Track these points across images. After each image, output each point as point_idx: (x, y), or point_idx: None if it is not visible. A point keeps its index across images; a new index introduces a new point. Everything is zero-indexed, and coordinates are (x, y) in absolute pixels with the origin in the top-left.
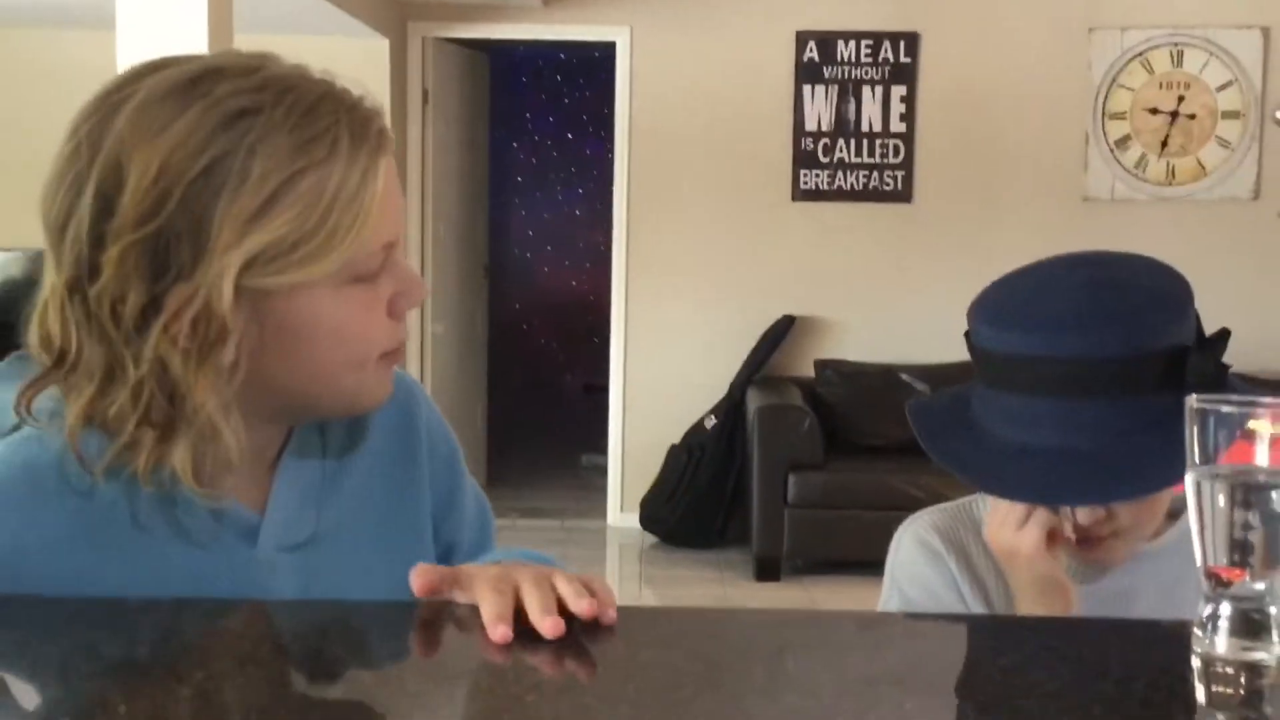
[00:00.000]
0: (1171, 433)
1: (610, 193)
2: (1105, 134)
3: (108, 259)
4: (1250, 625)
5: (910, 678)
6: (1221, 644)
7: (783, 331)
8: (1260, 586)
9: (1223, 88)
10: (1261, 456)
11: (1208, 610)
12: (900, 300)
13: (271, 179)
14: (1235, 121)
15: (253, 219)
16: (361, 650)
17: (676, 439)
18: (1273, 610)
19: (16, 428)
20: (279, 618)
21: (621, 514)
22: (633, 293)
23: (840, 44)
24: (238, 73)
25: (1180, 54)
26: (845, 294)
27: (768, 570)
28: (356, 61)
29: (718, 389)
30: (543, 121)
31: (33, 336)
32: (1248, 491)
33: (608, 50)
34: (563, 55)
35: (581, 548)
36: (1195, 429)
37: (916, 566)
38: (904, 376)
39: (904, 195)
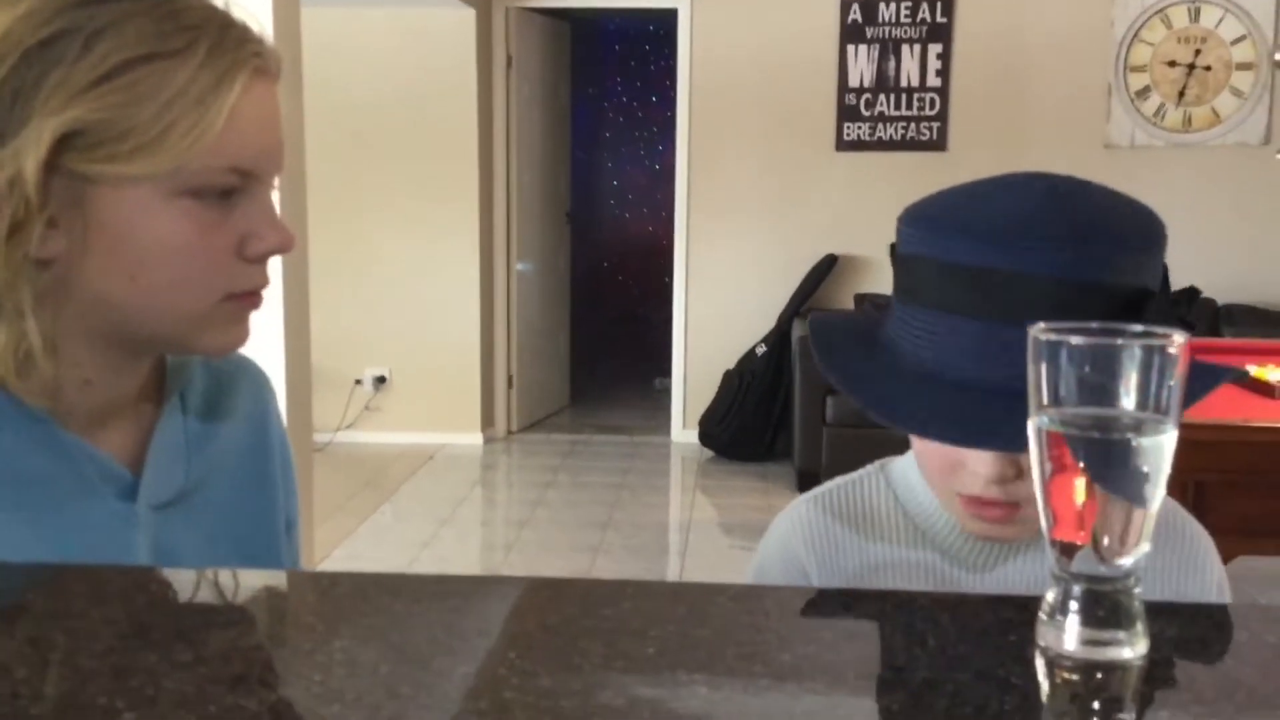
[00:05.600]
0: None
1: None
2: (1126, 85)
3: None
4: (1107, 613)
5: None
6: (1070, 638)
7: (826, 269)
8: (1123, 562)
9: (1237, 41)
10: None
11: (1054, 593)
12: None
13: (111, 59)
14: (1248, 73)
15: (81, 92)
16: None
17: (731, 365)
18: (1137, 593)
19: None
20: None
21: (683, 431)
22: (693, 236)
23: (881, 6)
24: None
25: (1197, 10)
26: (883, 235)
27: (808, 482)
28: (444, 30)
29: (767, 321)
30: (624, 84)
31: None
32: (1105, 445)
33: (672, 16)
34: (641, 22)
35: (647, 461)
36: (1043, 364)
37: (770, 574)
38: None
39: (939, 145)
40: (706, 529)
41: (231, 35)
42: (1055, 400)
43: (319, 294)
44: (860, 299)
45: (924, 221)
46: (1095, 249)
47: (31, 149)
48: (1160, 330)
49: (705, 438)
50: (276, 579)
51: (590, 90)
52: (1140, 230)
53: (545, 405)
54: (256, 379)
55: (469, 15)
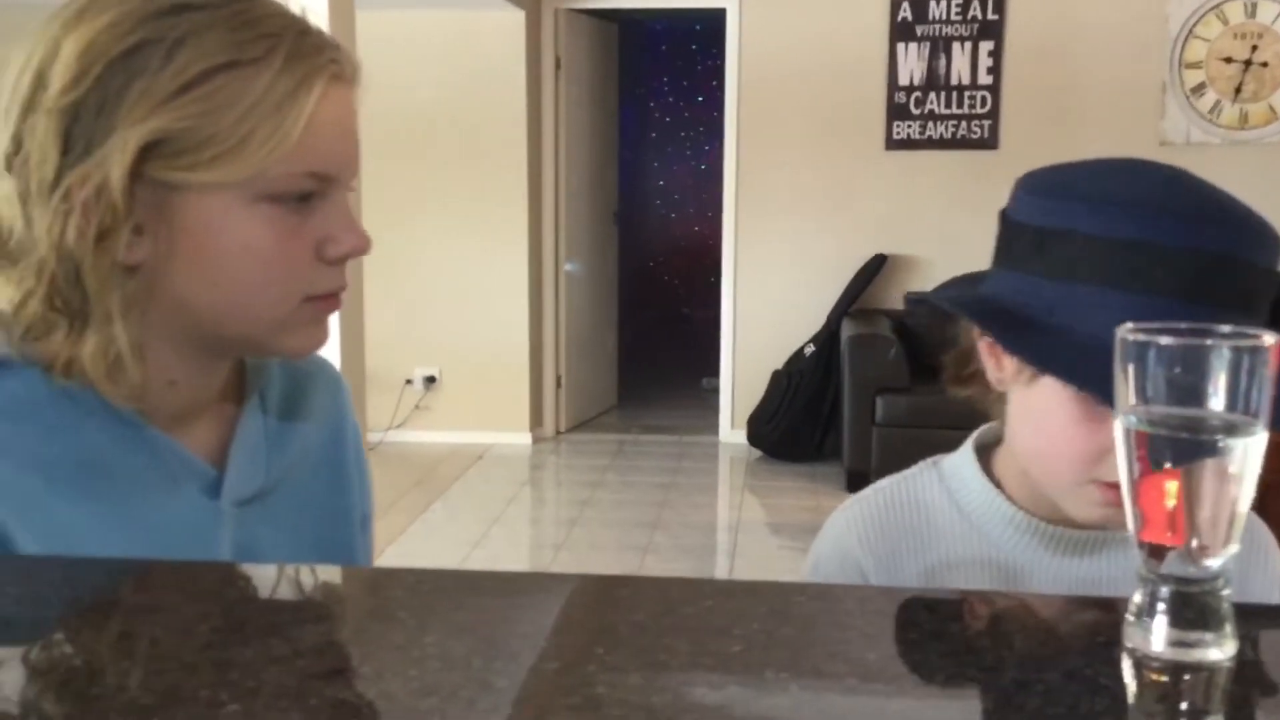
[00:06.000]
0: None
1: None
2: (1182, 82)
3: (28, 128)
4: (1195, 614)
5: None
6: (1158, 639)
7: (875, 269)
8: (1212, 564)
9: None
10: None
11: (1141, 595)
12: (984, 239)
13: (193, 67)
14: None
15: (163, 102)
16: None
17: (779, 365)
18: (1226, 595)
19: None
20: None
21: (731, 431)
22: (742, 235)
23: (932, 3)
24: None
25: (1254, 5)
26: (933, 234)
27: (857, 482)
28: (493, 32)
29: (816, 320)
30: (672, 84)
31: None
32: (1195, 446)
33: (722, 16)
34: (688, 23)
35: (695, 461)
36: (1130, 364)
37: (826, 574)
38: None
39: (990, 143)
40: (755, 529)
41: (308, 42)
42: (1143, 400)
43: (370, 295)
44: (910, 298)
45: (1077, 197)
46: (1259, 231)
47: (117, 158)
48: (1250, 331)
49: (753, 438)
50: (361, 575)
51: (637, 91)
52: (1261, 220)
53: (593, 405)
54: (332, 378)
55: (518, 17)
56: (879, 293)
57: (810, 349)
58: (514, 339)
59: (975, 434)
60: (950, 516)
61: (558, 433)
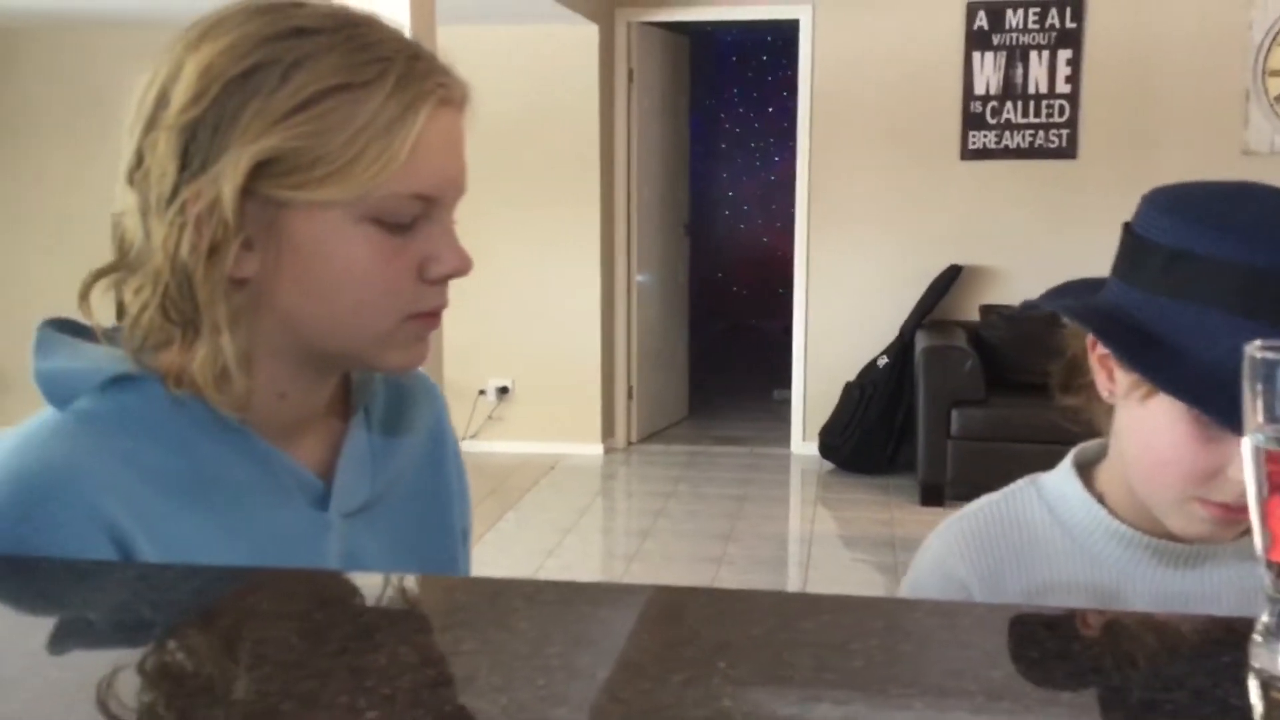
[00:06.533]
0: None
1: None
2: (1265, 90)
3: (149, 144)
4: None
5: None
6: None
7: (950, 280)
8: None
9: None
10: None
11: (1269, 615)
12: (1062, 249)
13: (306, 89)
14: None
15: (277, 122)
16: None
17: (852, 377)
18: None
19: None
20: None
21: (803, 443)
22: (814, 246)
23: (1009, 12)
24: (316, 5)
25: None
26: (1009, 245)
27: (932, 496)
28: (567, 46)
29: (889, 332)
30: (743, 95)
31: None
32: None
33: (793, 27)
34: (759, 34)
35: (767, 473)
36: (1260, 383)
37: (926, 594)
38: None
39: (1068, 153)
40: (828, 542)
41: (419, 66)
42: (1272, 419)
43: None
44: (986, 310)
45: (1210, 221)
46: None
47: (230, 175)
48: None
49: (826, 450)
50: (481, 586)
51: (707, 102)
52: None
53: (665, 416)
54: (431, 393)
55: (592, 31)
56: (954, 304)
57: (883, 361)
58: (586, 350)
59: (1074, 451)
60: (1052, 533)
61: (629, 443)
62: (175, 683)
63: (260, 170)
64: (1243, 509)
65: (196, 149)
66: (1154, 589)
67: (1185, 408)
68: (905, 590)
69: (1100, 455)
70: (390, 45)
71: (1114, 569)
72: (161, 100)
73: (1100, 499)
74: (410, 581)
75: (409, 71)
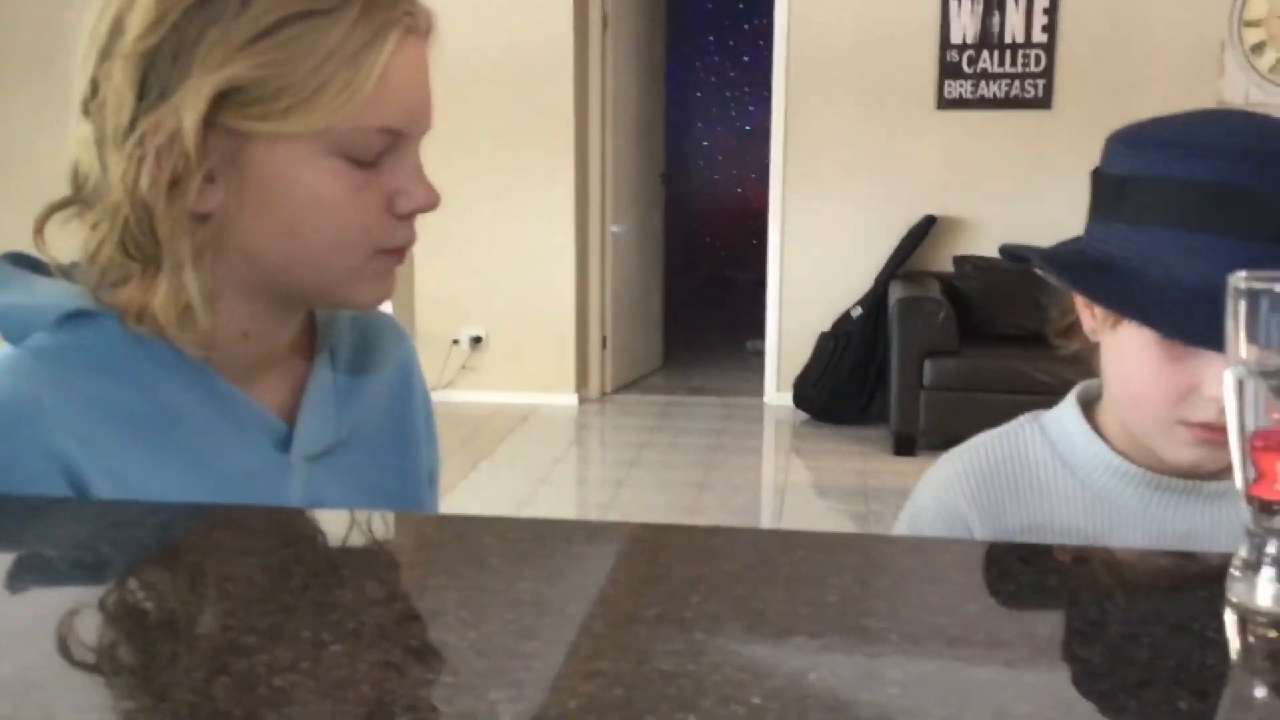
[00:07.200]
0: None
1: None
2: (1241, 40)
3: (104, 73)
4: None
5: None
6: (1265, 593)
7: (924, 230)
8: None
9: None
10: None
11: (1248, 549)
12: (1037, 199)
13: (268, 16)
14: None
15: (239, 49)
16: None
17: (826, 327)
18: None
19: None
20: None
21: (777, 393)
22: (789, 197)
23: None
24: None
25: None
26: (984, 195)
27: (904, 446)
28: None
29: (864, 282)
30: (718, 44)
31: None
32: None
33: None
34: None
35: (740, 422)
36: (1242, 313)
37: (924, 530)
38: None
39: (1044, 102)
40: (802, 492)
41: None
42: (1257, 349)
43: (417, 255)
44: (960, 260)
45: (1152, 141)
46: None
47: (191, 105)
48: None
49: (800, 400)
50: (451, 523)
51: (683, 49)
52: None
53: (639, 367)
54: (399, 333)
55: None
56: (928, 255)
57: (857, 311)
58: (560, 300)
59: (1077, 388)
60: (1053, 469)
61: (603, 394)
62: (136, 620)
63: (222, 100)
64: (1223, 428)
65: (155, 78)
66: (1156, 526)
67: (1150, 330)
68: (902, 524)
69: (1100, 394)
70: None
71: (1116, 505)
72: (117, 27)
73: (1102, 435)
74: (378, 519)
75: None
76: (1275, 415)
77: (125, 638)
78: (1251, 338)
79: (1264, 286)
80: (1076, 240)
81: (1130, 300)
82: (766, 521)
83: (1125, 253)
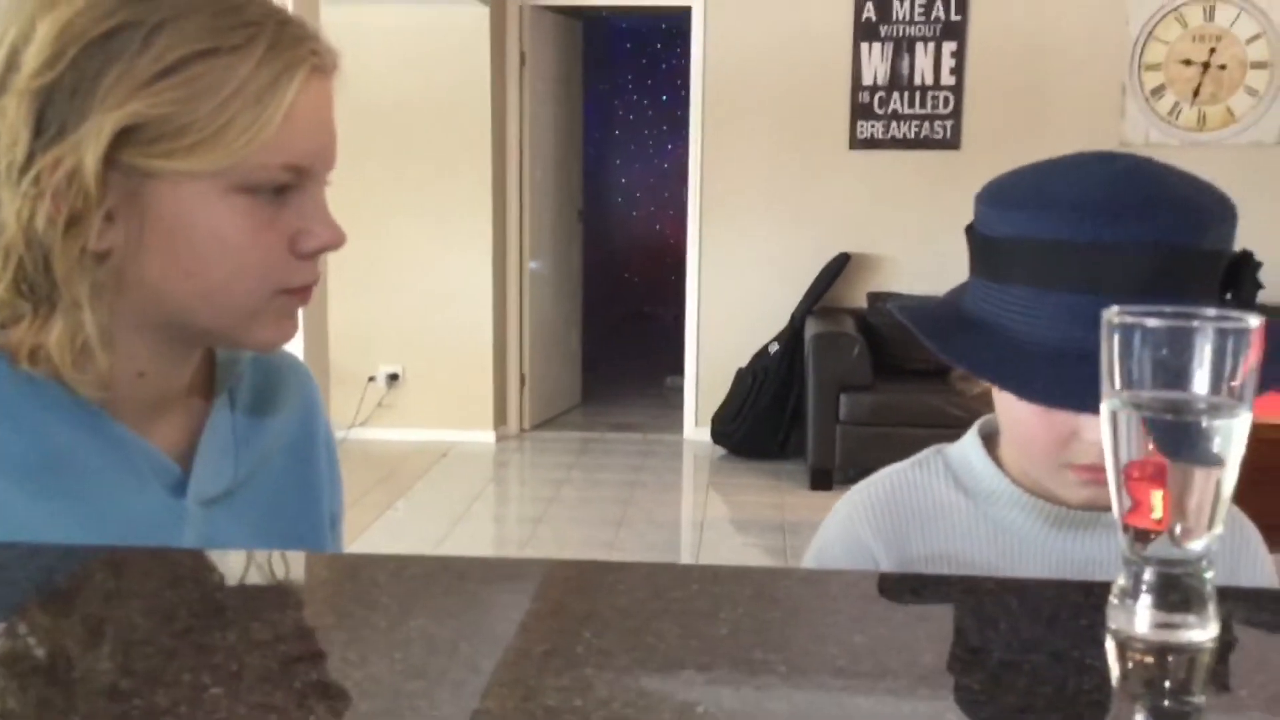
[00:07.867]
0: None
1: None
2: (1141, 84)
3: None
4: (1179, 597)
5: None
6: (1142, 620)
7: (839, 267)
8: (1195, 546)
9: (1252, 40)
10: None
11: (1126, 577)
12: (947, 237)
13: (172, 53)
14: (1263, 71)
15: (141, 87)
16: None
17: (744, 363)
18: (1208, 577)
19: None
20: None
21: (696, 428)
22: (706, 234)
23: (896, 4)
24: None
25: (1212, 9)
26: (897, 233)
27: (821, 480)
28: (458, 28)
29: (780, 319)
30: (636, 82)
31: None
32: (1180, 428)
33: (685, 15)
34: (653, 21)
35: (660, 458)
36: (1116, 347)
37: (831, 561)
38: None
39: (952, 143)
40: (720, 527)
41: (289, 32)
42: (1129, 383)
43: (333, 291)
44: (874, 297)
45: (1009, 201)
46: (1186, 216)
47: (91, 143)
48: (1234, 314)
49: (718, 436)
50: (342, 562)
51: (601, 88)
52: (1219, 200)
53: (558, 403)
54: (302, 375)
55: (483, 12)
56: (843, 291)
57: (774, 347)
58: (478, 336)
59: (978, 422)
60: (956, 500)
61: (522, 430)
62: (12, 664)
63: (124, 138)
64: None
65: (53, 115)
66: (1057, 555)
67: None
68: (810, 557)
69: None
70: (259, 9)
71: (1016, 535)
72: (11, 63)
73: (1002, 468)
74: (270, 559)
75: (279, 37)
76: (1149, 446)
77: (0, 683)
78: (1125, 371)
79: (1135, 321)
80: (965, 288)
81: (992, 364)
82: (685, 557)
83: (998, 311)
